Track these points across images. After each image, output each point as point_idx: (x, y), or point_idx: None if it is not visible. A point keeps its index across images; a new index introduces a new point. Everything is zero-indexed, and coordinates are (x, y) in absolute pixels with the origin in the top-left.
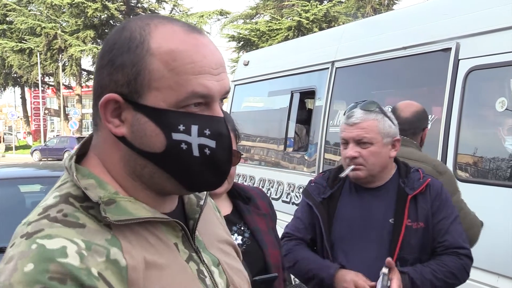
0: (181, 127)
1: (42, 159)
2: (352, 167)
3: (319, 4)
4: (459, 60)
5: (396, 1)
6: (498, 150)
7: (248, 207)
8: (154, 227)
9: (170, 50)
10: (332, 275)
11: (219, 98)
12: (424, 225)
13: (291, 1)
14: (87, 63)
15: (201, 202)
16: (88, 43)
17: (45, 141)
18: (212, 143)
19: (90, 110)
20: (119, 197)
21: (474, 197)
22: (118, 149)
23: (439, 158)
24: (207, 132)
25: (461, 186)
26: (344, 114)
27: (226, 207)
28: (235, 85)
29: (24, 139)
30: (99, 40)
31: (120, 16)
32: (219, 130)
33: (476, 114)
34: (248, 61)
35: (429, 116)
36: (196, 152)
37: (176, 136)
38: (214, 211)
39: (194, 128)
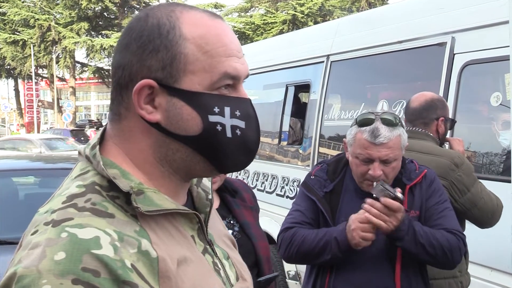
0: (216, 109)
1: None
2: (380, 186)
3: None
4: (454, 54)
5: None
6: (493, 144)
7: (235, 200)
8: (175, 219)
9: (202, 34)
10: (343, 228)
11: (243, 79)
12: (419, 213)
13: None
14: (81, 55)
15: (209, 196)
16: (82, 35)
17: (38, 133)
18: (242, 124)
19: (84, 103)
20: (145, 187)
21: None
22: (148, 136)
23: None
24: (238, 113)
25: None
26: (358, 123)
27: (214, 201)
28: None
29: (18, 131)
30: (93, 33)
31: (114, 8)
32: (248, 111)
33: (471, 108)
34: (243, 54)
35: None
36: (229, 133)
37: (212, 118)
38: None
39: (227, 110)
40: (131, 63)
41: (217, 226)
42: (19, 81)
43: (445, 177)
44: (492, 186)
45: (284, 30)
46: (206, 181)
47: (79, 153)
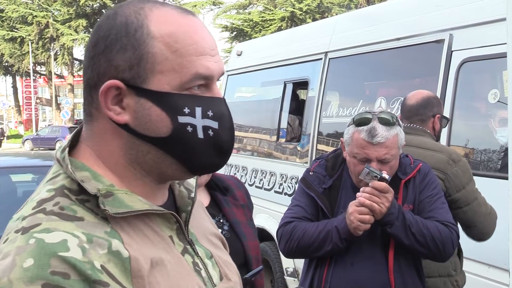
0: (186, 110)
1: (34, 149)
2: (366, 169)
3: None
4: (452, 51)
5: None
6: (490, 141)
7: (226, 198)
8: (150, 220)
9: (171, 32)
10: (342, 217)
11: (216, 79)
12: (413, 207)
13: None
14: (79, 52)
15: (192, 195)
16: (80, 32)
17: (36, 130)
18: (215, 124)
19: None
20: (115, 189)
21: None
22: (118, 138)
23: None
24: (210, 113)
25: None
26: (355, 123)
27: (204, 199)
28: (228, 75)
29: (16, 128)
30: (91, 29)
31: (112, 5)
32: (221, 110)
33: (469, 105)
34: (241, 52)
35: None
36: (200, 134)
37: (181, 119)
38: (201, 204)
39: (198, 110)
40: (99, 63)
41: (204, 224)
42: (17, 78)
43: (443, 171)
44: (490, 183)
45: (282, 27)
46: (191, 179)
47: (54, 156)
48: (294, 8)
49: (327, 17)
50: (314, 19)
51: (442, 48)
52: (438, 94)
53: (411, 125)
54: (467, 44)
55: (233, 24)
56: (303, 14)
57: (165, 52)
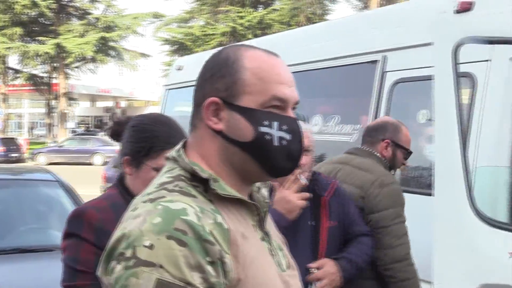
0: (266, 122)
1: None
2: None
3: (254, 11)
4: (385, 72)
5: (329, 12)
6: (420, 159)
7: None
8: (240, 208)
9: (258, 66)
10: (273, 209)
11: (292, 104)
12: (338, 223)
13: (226, 6)
14: (14, 61)
15: (267, 201)
16: (16, 41)
17: None
18: (288, 136)
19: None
20: (219, 179)
21: None
22: (215, 142)
23: None
24: (284, 127)
25: None
26: None
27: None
28: (168, 89)
29: None
30: (27, 38)
31: (50, 14)
32: (293, 127)
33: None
34: (182, 66)
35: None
36: (276, 142)
37: (262, 129)
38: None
39: (275, 124)
40: (205, 87)
41: (274, 230)
42: None
43: (365, 190)
44: (419, 200)
45: (223, 42)
46: (264, 191)
47: (167, 158)
48: (235, 24)
49: (268, 33)
50: (255, 35)
51: (376, 68)
52: (372, 113)
53: (362, 146)
54: (400, 65)
55: (174, 37)
56: (244, 29)
57: (252, 79)
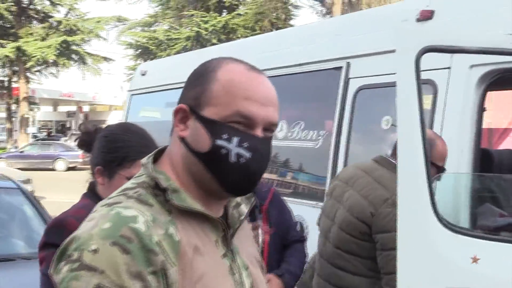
0: (224, 136)
1: None
2: None
3: (218, 16)
4: (349, 78)
5: (293, 17)
6: None
7: None
8: (203, 222)
9: (230, 79)
10: None
11: (261, 124)
12: (276, 230)
13: (190, 11)
14: None
15: (241, 218)
16: None
17: None
18: (247, 154)
19: None
20: (181, 190)
21: None
22: (180, 149)
23: (329, 170)
24: (245, 144)
25: None
26: None
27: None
28: (132, 94)
29: None
30: None
31: (10, 16)
32: (255, 146)
33: (365, 130)
34: (146, 71)
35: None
36: (233, 158)
37: (219, 142)
38: (251, 233)
39: (235, 139)
40: (182, 94)
41: (248, 248)
42: None
43: (376, 207)
44: None
45: (187, 47)
46: (244, 208)
47: (142, 164)
48: (199, 28)
49: (233, 38)
50: (219, 40)
51: (340, 75)
52: (335, 119)
53: (390, 158)
54: (363, 72)
55: (138, 41)
56: (209, 34)
57: (220, 91)
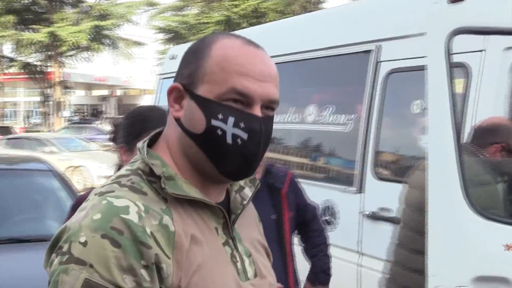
0: (220, 116)
1: None
2: None
3: (248, 0)
4: (379, 62)
5: (324, 0)
6: (414, 149)
7: None
8: (201, 209)
9: (224, 54)
10: None
11: (259, 101)
12: (294, 213)
13: None
14: (7, 49)
15: (244, 202)
16: (9, 29)
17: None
18: (244, 135)
19: (11, 99)
20: (177, 177)
21: (392, 195)
22: (176, 131)
23: (359, 155)
24: (242, 125)
25: (379, 184)
26: None
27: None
28: (162, 78)
29: None
30: (21, 26)
31: (43, 2)
32: (253, 126)
33: (395, 114)
34: (176, 55)
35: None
36: (229, 140)
37: (214, 122)
38: (256, 216)
39: (231, 119)
40: (177, 72)
41: (252, 232)
42: None
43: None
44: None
45: (218, 31)
46: (248, 191)
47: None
48: (230, 12)
49: (263, 22)
50: (250, 24)
51: (370, 58)
52: (366, 103)
53: (470, 146)
54: (394, 55)
55: (169, 26)
56: (239, 18)
57: (214, 68)
